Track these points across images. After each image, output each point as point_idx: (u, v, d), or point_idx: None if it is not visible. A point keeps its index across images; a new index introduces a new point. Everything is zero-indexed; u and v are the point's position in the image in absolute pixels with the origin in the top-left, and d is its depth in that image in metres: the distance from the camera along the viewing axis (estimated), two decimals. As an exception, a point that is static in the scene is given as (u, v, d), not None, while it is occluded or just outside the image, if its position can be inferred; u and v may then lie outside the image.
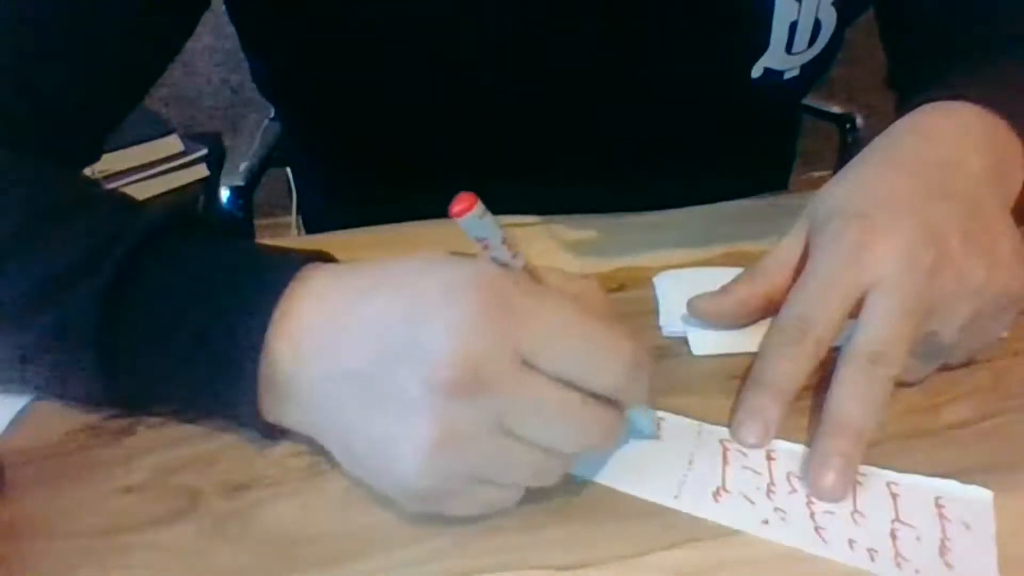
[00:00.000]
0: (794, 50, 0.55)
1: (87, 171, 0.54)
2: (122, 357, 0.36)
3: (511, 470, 0.33)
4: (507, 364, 0.31)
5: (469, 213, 0.31)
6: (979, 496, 0.36)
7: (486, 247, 0.33)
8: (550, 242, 0.54)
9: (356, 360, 0.33)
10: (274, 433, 0.37)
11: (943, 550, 0.33)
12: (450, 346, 0.31)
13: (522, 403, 0.31)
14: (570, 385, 0.32)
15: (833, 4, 0.54)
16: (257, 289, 0.35)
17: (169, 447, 0.39)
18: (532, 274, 0.34)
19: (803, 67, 0.57)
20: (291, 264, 0.36)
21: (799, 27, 0.54)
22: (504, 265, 0.33)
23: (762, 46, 0.55)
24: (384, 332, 0.33)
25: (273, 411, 0.36)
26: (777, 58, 0.55)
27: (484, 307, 0.31)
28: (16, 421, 0.40)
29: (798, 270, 0.42)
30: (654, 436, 0.38)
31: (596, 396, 0.33)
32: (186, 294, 0.36)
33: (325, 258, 0.39)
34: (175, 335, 0.36)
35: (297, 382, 0.35)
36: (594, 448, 0.33)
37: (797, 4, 0.53)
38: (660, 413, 0.40)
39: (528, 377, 0.31)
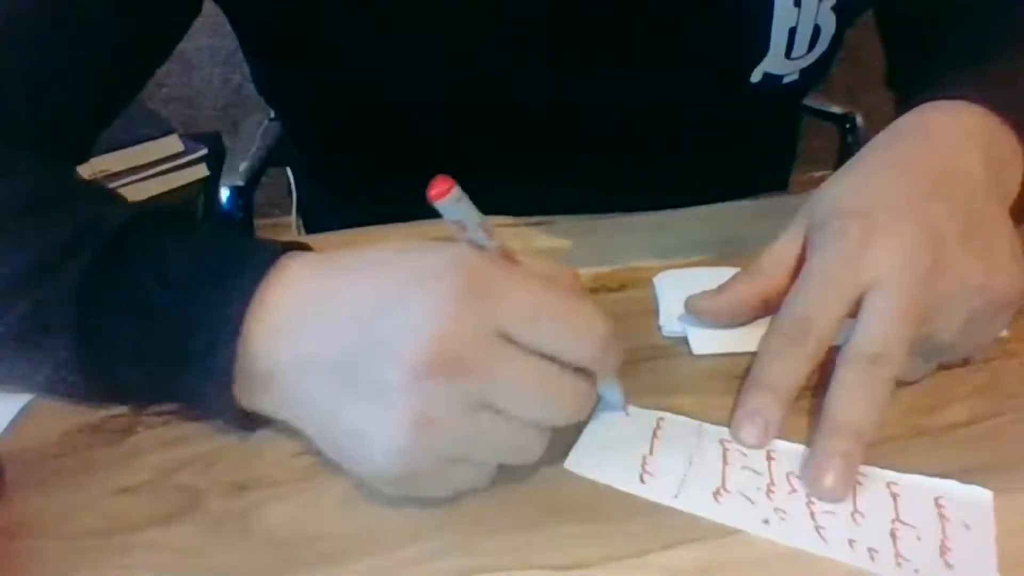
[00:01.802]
0: (793, 55, 0.55)
1: (88, 172, 0.54)
2: (100, 344, 0.36)
3: (489, 448, 0.34)
4: (486, 343, 0.32)
5: (446, 197, 0.31)
6: (979, 496, 0.36)
7: (463, 229, 0.33)
8: (549, 242, 0.54)
9: (330, 348, 0.34)
10: (249, 424, 0.37)
11: (943, 550, 0.33)
12: (429, 329, 0.32)
13: (503, 378, 0.32)
14: (547, 358, 0.33)
15: (832, 9, 0.54)
16: (234, 277, 0.36)
17: (169, 447, 0.39)
18: (507, 256, 0.35)
19: (802, 71, 0.57)
20: (269, 252, 0.37)
21: (798, 32, 0.54)
22: (480, 247, 0.34)
23: (761, 52, 0.55)
24: (358, 320, 0.33)
25: (250, 399, 0.36)
26: (777, 63, 0.55)
27: (462, 289, 0.32)
28: (16, 421, 0.40)
29: (796, 268, 0.42)
30: (623, 408, 0.40)
31: (571, 369, 0.34)
32: (164, 283, 0.36)
33: (304, 249, 0.39)
34: (152, 324, 0.36)
35: (272, 369, 0.35)
36: (570, 418, 0.35)
37: (796, 9, 0.53)
38: (660, 413, 0.40)
39: (508, 352, 0.33)
